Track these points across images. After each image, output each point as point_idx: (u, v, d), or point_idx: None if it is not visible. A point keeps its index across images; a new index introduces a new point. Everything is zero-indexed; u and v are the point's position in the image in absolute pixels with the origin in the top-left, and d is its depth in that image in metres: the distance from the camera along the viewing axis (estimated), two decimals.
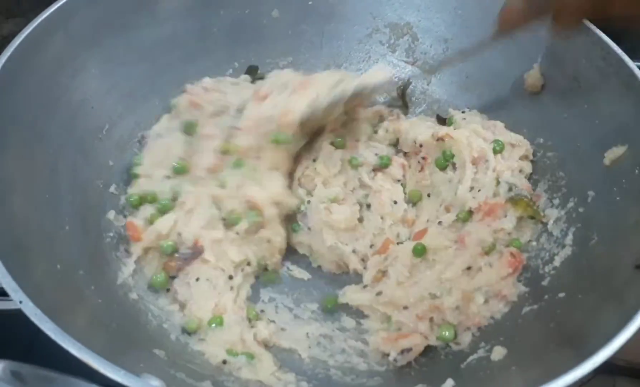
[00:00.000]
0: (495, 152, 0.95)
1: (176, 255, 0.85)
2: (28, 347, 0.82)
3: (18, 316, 0.59)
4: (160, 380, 0.58)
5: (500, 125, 1.00)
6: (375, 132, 1.06)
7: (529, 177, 0.96)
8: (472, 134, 0.97)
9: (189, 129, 0.98)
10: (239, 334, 0.79)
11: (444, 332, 0.79)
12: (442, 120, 1.07)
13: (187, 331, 0.80)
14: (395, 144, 1.05)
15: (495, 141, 0.96)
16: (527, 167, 0.97)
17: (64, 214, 0.81)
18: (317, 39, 1.15)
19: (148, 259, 0.87)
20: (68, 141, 0.87)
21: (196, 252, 0.85)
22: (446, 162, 0.97)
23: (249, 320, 0.84)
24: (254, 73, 1.11)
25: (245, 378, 0.75)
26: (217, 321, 0.80)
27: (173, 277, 0.85)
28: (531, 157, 0.97)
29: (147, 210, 0.90)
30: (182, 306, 0.83)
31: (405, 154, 1.03)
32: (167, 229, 0.86)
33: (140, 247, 0.85)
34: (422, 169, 0.99)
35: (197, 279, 0.84)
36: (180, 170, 0.93)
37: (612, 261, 0.76)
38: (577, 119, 0.92)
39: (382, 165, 1.00)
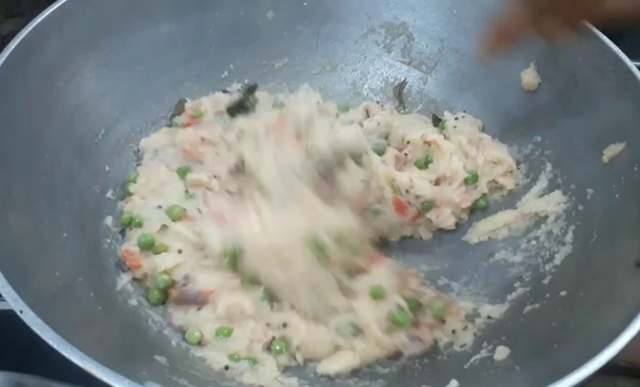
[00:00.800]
0: (466, 181, 0.95)
1: (183, 288, 0.81)
2: (28, 348, 0.81)
3: (17, 316, 0.59)
4: None
5: (487, 139, 1.00)
6: (361, 125, 1.05)
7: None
8: (458, 150, 0.97)
9: (182, 174, 0.96)
10: (248, 344, 0.78)
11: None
12: (437, 120, 1.07)
13: (187, 341, 0.79)
14: (386, 137, 1.05)
15: (471, 173, 0.96)
16: (509, 183, 0.98)
17: (62, 220, 0.80)
18: (312, 40, 1.15)
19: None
20: (64, 146, 0.86)
21: (204, 301, 0.80)
22: (425, 166, 0.98)
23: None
24: (253, 91, 1.10)
25: (248, 383, 0.74)
26: (225, 332, 0.78)
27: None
28: (514, 171, 0.98)
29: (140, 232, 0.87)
30: (178, 329, 0.81)
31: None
32: (165, 267, 0.82)
33: (141, 273, 0.84)
34: (404, 164, 1.00)
35: (199, 309, 0.80)
36: (173, 217, 0.88)
37: (612, 258, 0.76)
38: (574, 117, 0.92)
39: (378, 153, 0.98)
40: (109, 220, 0.89)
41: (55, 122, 0.86)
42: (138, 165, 0.98)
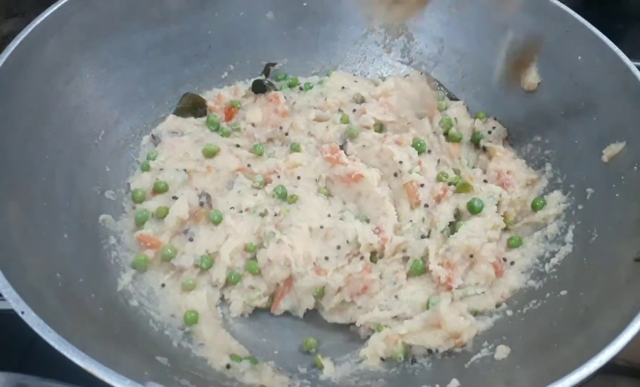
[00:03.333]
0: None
1: (201, 208, 0.91)
2: (28, 348, 0.81)
3: (17, 316, 0.59)
4: None
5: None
6: None
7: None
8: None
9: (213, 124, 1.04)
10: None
11: None
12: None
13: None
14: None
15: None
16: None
17: (62, 221, 0.80)
18: (312, 40, 1.15)
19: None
20: (64, 148, 0.86)
21: (209, 195, 0.93)
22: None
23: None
24: (268, 69, 1.12)
25: (249, 383, 0.74)
26: (192, 315, 0.81)
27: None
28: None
29: (151, 205, 0.91)
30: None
31: None
32: (184, 213, 0.89)
33: (160, 252, 0.87)
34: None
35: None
36: (210, 153, 0.98)
37: (612, 257, 0.77)
38: (574, 117, 0.92)
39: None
40: (109, 220, 0.89)
41: (55, 123, 0.86)
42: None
